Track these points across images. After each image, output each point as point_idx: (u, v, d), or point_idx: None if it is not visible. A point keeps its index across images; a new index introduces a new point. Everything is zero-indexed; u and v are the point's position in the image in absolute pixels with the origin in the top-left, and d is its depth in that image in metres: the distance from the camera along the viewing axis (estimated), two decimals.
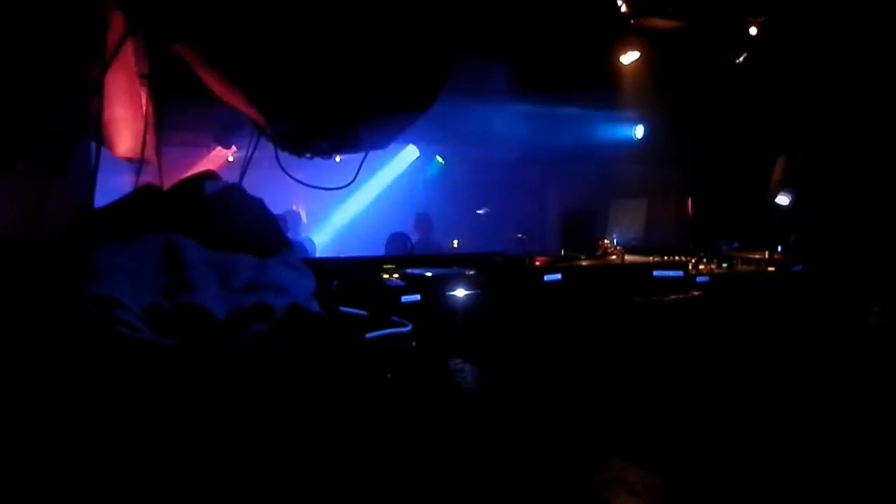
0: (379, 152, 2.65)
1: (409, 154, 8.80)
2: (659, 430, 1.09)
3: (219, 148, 6.67)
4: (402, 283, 1.88)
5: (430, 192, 8.90)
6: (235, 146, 6.50)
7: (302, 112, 1.88)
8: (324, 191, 2.46)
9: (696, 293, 2.16)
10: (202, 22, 1.66)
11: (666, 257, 2.47)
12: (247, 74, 1.73)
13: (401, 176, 9.11)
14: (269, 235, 1.53)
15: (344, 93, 1.82)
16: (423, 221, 5.94)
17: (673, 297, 2.09)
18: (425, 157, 8.98)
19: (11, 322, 1.04)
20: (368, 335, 1.43)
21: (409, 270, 2.03)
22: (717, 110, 4.13)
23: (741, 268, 2.43)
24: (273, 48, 1.69)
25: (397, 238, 5.29)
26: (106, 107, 1.73)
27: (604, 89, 4.54)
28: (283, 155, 2.18)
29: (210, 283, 1.28)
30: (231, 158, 7.22)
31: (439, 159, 7.86)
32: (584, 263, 2.28)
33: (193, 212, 1.44)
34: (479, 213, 5.31)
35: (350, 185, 2.52)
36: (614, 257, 2.42)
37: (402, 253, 4.92)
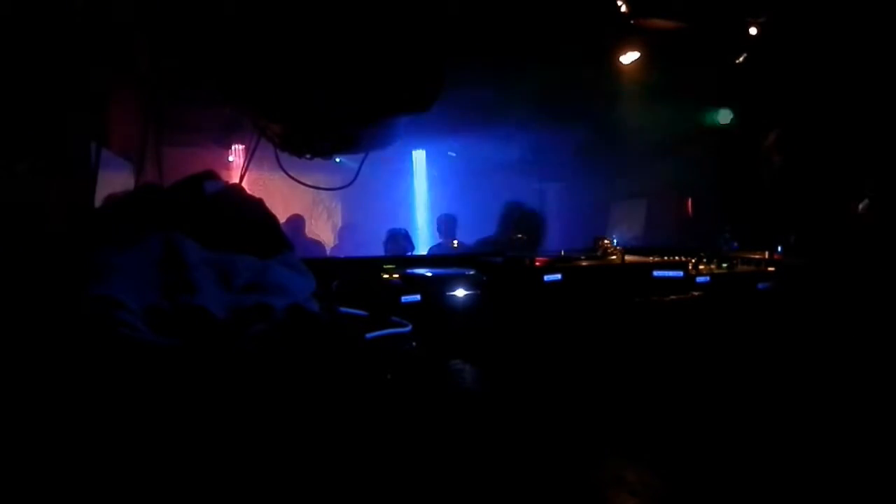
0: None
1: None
2: (659, 430, 1.09)
3: (219, 148, 6.68)
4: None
5: (430, 191, 8.92)
6: (235, 146, 6.53)
7: (301, 114, 1.88)
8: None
9: (696, 293, 2.16)
10: (202, 24, 1.66)
11: (666, 257, 2.47)
12: (246, 76, 1.73)
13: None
14: (270, 236, 1.53)
15: (344, 94, 1.82)
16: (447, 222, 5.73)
17: (673, 297, 2.08)
18: (431, 158, 8.98)
19: (11, 322, 1.04)
20: (368, 335, 1.43)
21: (409, 270, 2.03)
22: (717, 110, 4.14)
23: (741, 268, 2.43)
24: (272, 49, 1.69)
25: (396, 236, 5.24)
26: (107, 106, 1.73)
27: (603, 89, 4.55)
28: (284, 155, 2.18)
29: (210, 283, 1.28)
30: (231, 158, 7.23)
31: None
32: (584, 263, 2.28)
33: (193, 212, 1.44)
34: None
35: (350, 185, 2.53)
36: (614, 257, 2.41)
37: (400, 252, 4.90)
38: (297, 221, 6.26)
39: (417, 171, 9.61)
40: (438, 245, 5.53)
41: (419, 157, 9.49)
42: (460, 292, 1.86)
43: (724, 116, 4.51)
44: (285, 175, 2.38)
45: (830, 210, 3.37)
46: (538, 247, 3.85)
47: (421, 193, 9.60)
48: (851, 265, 2.40)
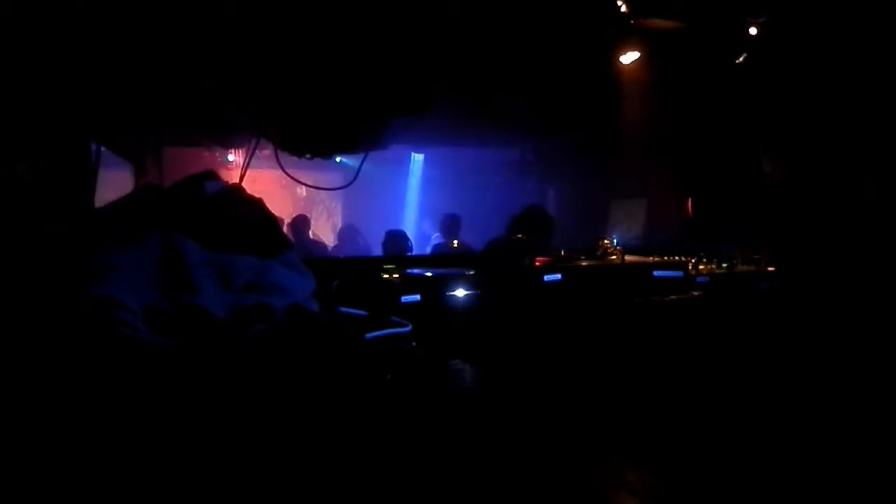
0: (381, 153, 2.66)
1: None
2: (659, 430, 1.09)
3: (219, 148, 6.69)
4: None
5: (430, 192, 8.94)
6: (235, 146, 6.51)
7: (302, 114, 1.88)
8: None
9: (696, 293, 2.16)
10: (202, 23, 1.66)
11: (666, 257, 2.47)
12: (247, 76, 1.73)
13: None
14: (270, 236, 1.53)
15: (344, 94, 1.82)
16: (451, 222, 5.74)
17: (673, 297, 2.08)
18: (427, 159, 9.00)
19: (12, 322, 1.04)
20: (368, 335, 1.43)
21: (409, 270, 2.03)
22: (717, 110, 4.14)
23: (741, 268, 2.43)
24: (274, 50, 1.69)
25: (395, 237, 5.24)
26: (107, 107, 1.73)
27: (603, 89, 4.54)
28: (283, 155, 2.18)
29: (210, 283, 1.28)
30: (231, 158, 7.23)
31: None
32: (584, 263, 2.28)
33: (193, 212, 1.44)
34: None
35: (350, 185, 2.53)
36: (614, 257, 2.42)
37: (399, 253, 4.91)
38: (301, 221, 6.25)
39: (416, 172, 9.61)
40: (441, 244, 5.52)
41: (418, 158, 9.49)
42: (460, 292, 1.86)
43: None
44: (278, 176, 2.38)
45: (830, 211, 3.37)
46: (548, 248, 3.83)
47: (420, 195, 9.62)
48: (847, 268, 2.40)
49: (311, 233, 6.90)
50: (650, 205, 4.87)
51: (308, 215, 6.79)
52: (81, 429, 0.85)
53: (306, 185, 2.62)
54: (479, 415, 1.14)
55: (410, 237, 5.50)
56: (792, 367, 1.54)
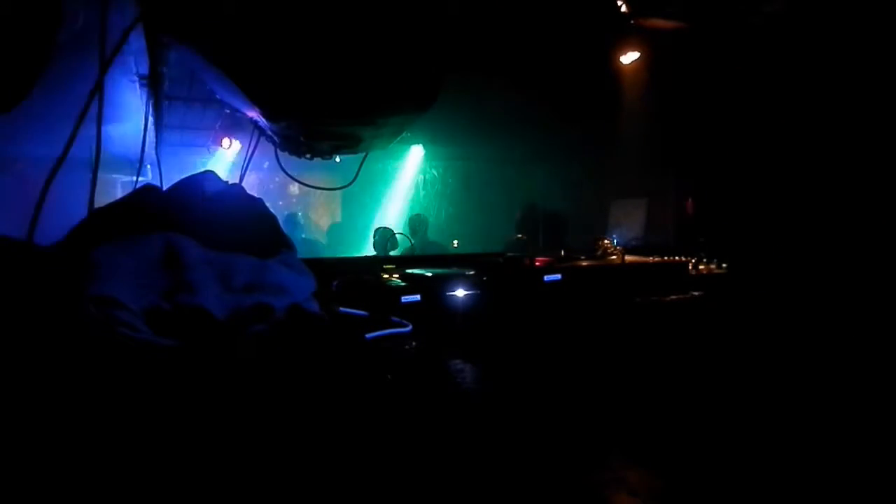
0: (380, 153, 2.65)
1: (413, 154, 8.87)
2: (659, 430, 1.09)
3: (219, 148, 6.71)
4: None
5: (429, 192, 8.94)
6: (235, 146, 6.52)
7: (303, 113, 1.88)
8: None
9: (696, 293, 2.16)
10: (202, 19, 1.66)
11: (666, 257, 2.47)
12: (248, 73, 1.73)
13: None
14: (270, 235, 1.53)
15: (346, 92, 1.82)
16: (418, 223, 5.92)
17: (673, 297, 2.09)
18: (428, 158, 9.01)
19: (11, 322, 1.04)
20: (368, 335, 1.43)
21: (409, 270, 2.03)
22: (717, 110, 4.13)
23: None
24: (274, 46, 1.69)
25: (382, 233, 5.34)
26: (106, 106, 1.73)
27: (603, 89, 4.55)
28: (283, 155, 2.18)
29: (210, 283, 1.28)
30: (231, 159, 7.25)
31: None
32: (584, 263, 2.28)
33: (193, 212, 1.44)
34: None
35: (350, 184, 2.53)
36: (614, 257, 2.42)
37: (382, 248, 5.01)
38: None
39: (416, 170, 9.62)
40: (409, 247, 5.51)
41: (418, 156, 9.50)
42: (460, 292, 1.86)
43: None
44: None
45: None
46: (560, 247, 3.84)
47: (419, 194, 9.62)
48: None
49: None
50: (650, 205, 4.88)
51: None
52: (81, 429, 0.85)
53: (306, 185, 2.61)
54: (479, 415, 1.14)
55: (408, 235, 5.53)
56: (792, 367, 1.54)
